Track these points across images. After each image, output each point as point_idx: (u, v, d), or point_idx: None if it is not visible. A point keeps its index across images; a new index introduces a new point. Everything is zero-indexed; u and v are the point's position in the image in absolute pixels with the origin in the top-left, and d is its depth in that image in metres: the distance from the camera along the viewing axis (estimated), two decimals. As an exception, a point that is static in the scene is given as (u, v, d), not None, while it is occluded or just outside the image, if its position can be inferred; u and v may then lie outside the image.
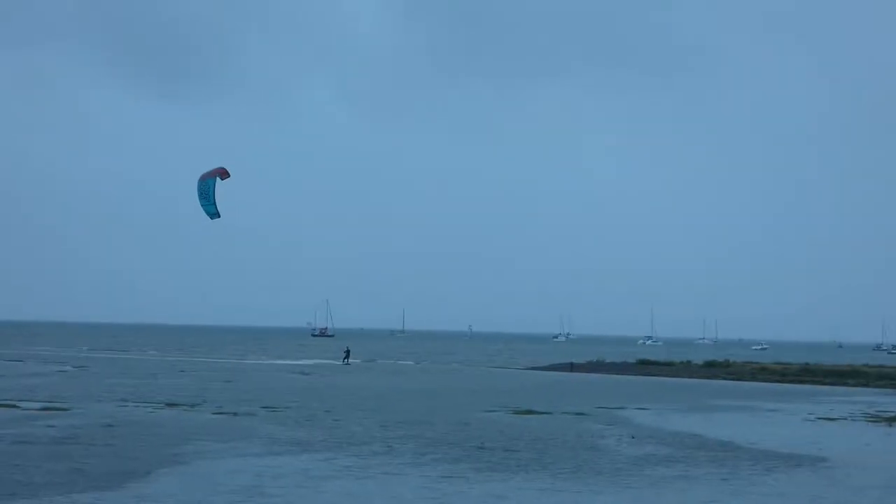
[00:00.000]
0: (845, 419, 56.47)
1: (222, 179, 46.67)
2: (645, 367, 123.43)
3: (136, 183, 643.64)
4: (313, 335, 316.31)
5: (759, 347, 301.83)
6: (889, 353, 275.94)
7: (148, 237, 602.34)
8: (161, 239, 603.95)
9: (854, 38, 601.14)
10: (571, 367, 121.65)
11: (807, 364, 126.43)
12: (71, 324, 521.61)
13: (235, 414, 49.97)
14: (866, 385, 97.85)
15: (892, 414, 60.01)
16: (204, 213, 46.95)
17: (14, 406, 51.38)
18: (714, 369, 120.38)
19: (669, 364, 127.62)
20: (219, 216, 46.82)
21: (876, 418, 57.08)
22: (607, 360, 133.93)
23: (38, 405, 52.12)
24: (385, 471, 31.50)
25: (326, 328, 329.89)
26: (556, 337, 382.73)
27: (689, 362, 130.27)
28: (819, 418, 56.54)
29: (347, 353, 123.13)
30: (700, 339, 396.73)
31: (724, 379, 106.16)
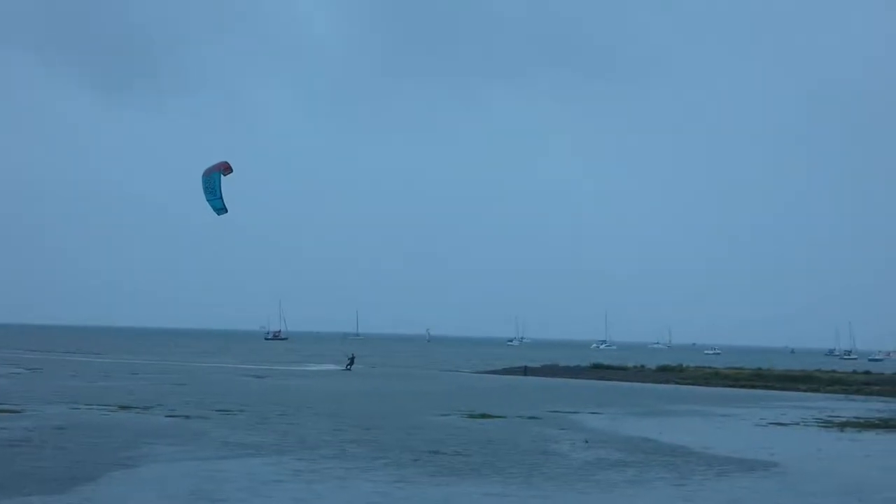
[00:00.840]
0: (797, 424, 56.71)
1: (224, 175, 46.06)
2: (599, 371, 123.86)
3: (92, 185, 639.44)
4: (266, 338, 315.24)
5: (712, 352, 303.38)
6: (841, 358, 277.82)
7: (100, 239, 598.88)
8: (114, 241, 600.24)
9: (806, 39, 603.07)
10: (525, 371, 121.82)
11: (759, 369, 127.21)
12: (30, 326, 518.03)
13: (188, 417, 49.61)
14: (818, 390, 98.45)
15: (844, 419, 60.34)
16: (210, 209, 46.18)
17: (-38, 409, 50.89)
18: (667, 374, 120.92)
19: (623, 368, 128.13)
20: (226, 211, 46.20)
21: (828, 423, 57.35)
22: (561, 364, 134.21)
23: (-13, 407, 51.64)
24: (336, 475, 31.31)
25: (280, 331, 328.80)
26: (510, 341, 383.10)
27: (642, 367, 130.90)
28: (771, 423, 56.76)
29: (352, 359, 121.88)
30: (654, 343, 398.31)
31: (678, 383, 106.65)
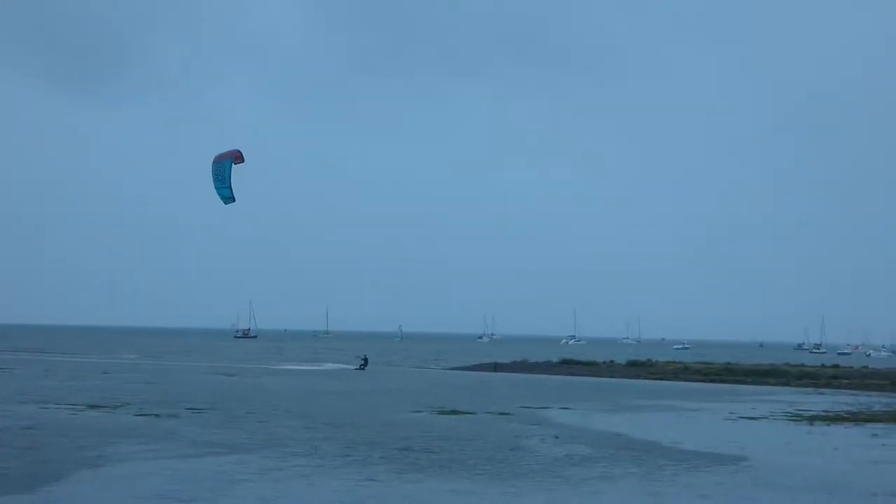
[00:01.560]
0: (767, 418, 56.87)
1: (236, 164, 45.43)
2: (568, 366, 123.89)
3: (53, 184, 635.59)
4: (236, 336, 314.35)
5: (681, 347, 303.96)
6: (810, 352, 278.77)
7: (63, 238, 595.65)
8: (77, 239, 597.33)
9: (769, 37, 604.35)
10: (495, 368, 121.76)
11: (728, 363, 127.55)
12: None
13: (158, 415, 49.44)
14: (787, 384, 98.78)
15: (814, 413, 60.56)
16: (218, 198, 45.64)
17: (-71, 409, 50.61)
18: (637, 369, 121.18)
19: (593, 364, 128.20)
20: (234, 200, 45.53)
21: (797, 417, 57.55)
22: (531, 360, 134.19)
23: (-45, 408, 51.35)
24: (304, 473, 31.22)
25: (249, 329, 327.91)
26: (480, 337, 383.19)
27: (612, 362, 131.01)
28: (741, 417, 56.91)
29: (365, 360, 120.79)
30: (623, 338, 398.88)
31: (647, 378, 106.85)
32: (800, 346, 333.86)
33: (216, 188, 45.14)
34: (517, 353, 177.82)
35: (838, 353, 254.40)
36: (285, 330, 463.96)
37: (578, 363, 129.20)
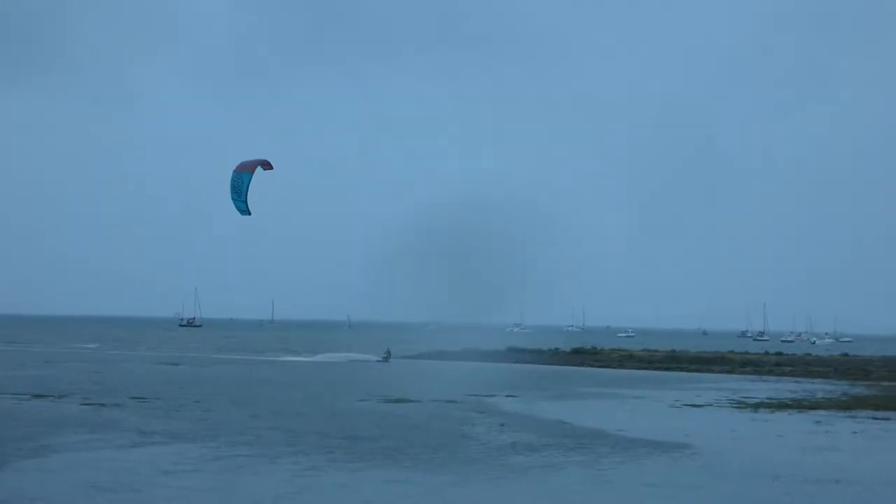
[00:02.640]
0: (711, 406, 57.18)
1: (265, 170, 44.59)
2: (515, 354, 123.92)
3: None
4: (181, 325, 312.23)
5: (626, 335, 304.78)
6: (754, 340, 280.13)
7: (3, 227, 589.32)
8: (15, 228, 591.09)
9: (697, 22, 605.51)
10: (390, 354, 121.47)
11: (673, 351, 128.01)
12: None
13: (103, 405, 49.10)
14: (731, 372, 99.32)
15: (758, 400, 60.95)
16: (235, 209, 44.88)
17: None
18: (582, 356, 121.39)
19: (539, 351, 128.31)
20: (249, 213, 44.70)
21: (741, 404, 57.88)
22: (477, 348, 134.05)
23: None
24: (243, 463, 30.99)
25: (194, 318, 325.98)
26: (427, 325, 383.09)
27: (557, 349, 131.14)
28: (685, 405, 57.18)
29: (388, 353, 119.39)
30: (568, 326, 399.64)
31: (592, 366, 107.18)
32: (743, 334, 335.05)
33: (232, 199, 44.46)
34: (463, 340, 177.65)
35: (782, 341, 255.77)
36: (231, 319, 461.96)
37: (524, 351, 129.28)
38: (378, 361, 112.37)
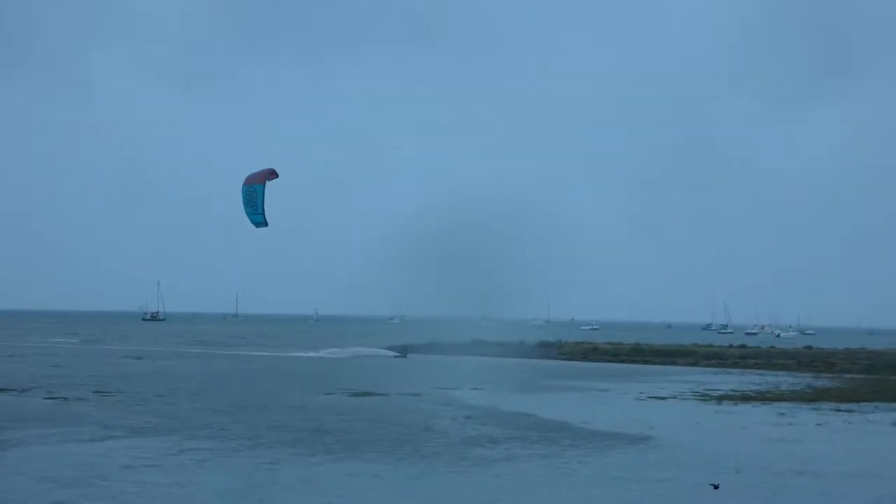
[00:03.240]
0: (675, 398, 57.40)
1: (270, 180, 44.06)
2: (480, 347, 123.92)
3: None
4: (144, 319, 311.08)
5: (590, 328, 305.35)
6: (718, 332, 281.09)
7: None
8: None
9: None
10: (406, 349, 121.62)
11: (637, 344, 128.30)
12: None
13: (66, 399, 48.89)
14: (695, 364, 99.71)
15: (721, 392, 61.17)
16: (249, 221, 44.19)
17: None
18: (547, 349, 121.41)
19: (504, 344, 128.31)
20: (266, 225, 44.06)
21: (705, 397, 58.10)
22: (442, 341, 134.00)
23: None
24: (204, 457, 30.78)
25: (157, 312, 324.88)
26: (392, 319, 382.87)
27: (522, 342, 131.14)
28: (650, 397, 57.37)
29: (405, 348, 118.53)
30: (533, 319, 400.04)
31: (557, 359, 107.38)
32: (708, 327, 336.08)
33: (247, 213, 43.82)
34: (428, 334, 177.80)
35: (746, 334, 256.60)
36: (194, 312, 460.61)
37: (489, 344, 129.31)
38: (395, 357, 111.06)
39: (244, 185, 43.48)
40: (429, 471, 29.16)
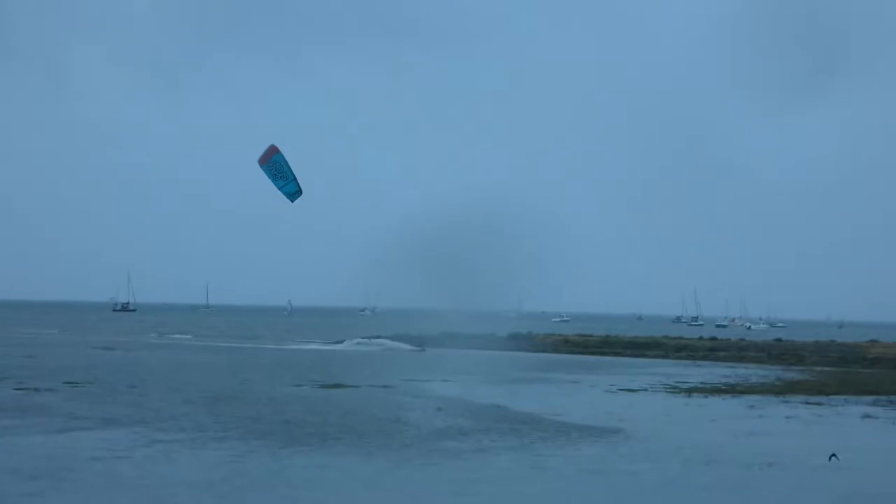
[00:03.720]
0: (646, 390, 57.46)
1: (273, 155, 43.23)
2: (451, 339, 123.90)
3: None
4: (115, 310, 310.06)
5: (560, 319, 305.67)
6: (689, 325, 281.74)
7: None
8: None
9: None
10: (424, 342, 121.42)
11: (608, 336, 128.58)
12: None
13: (37, 389, 48.60)
14: (666, 356, 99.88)
15: (692, 385, 61.29)
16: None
17: None
18: (518, 341, 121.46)
19: (473, 336, 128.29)
20: (301, 193, 43.19)
21: (675, 389, 58.18)
22: (414, 333, 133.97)
23: None
24: (173, 449, 30.57)
25: (128, 303, 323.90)
26: (363, 311, 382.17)
27: (492, 334, 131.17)
28: (620, 389, 57.41)
29: (422, 343, 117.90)
30: (504, 311, 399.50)
31: (528, 351, 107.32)
32: (678, 319, 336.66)
33: (279, 188, 43.01)
34: (399, 326, 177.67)
35: (716, 326, 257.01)
36: (165, 304, 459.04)
37: (461, 336, 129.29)
38: (413, 351, 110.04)
39: (264, 164, 42.73)
40: (398, 463, 29.08)
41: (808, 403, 51.14)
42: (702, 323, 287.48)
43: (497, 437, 35.26)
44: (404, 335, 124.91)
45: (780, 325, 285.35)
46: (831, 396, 55.27)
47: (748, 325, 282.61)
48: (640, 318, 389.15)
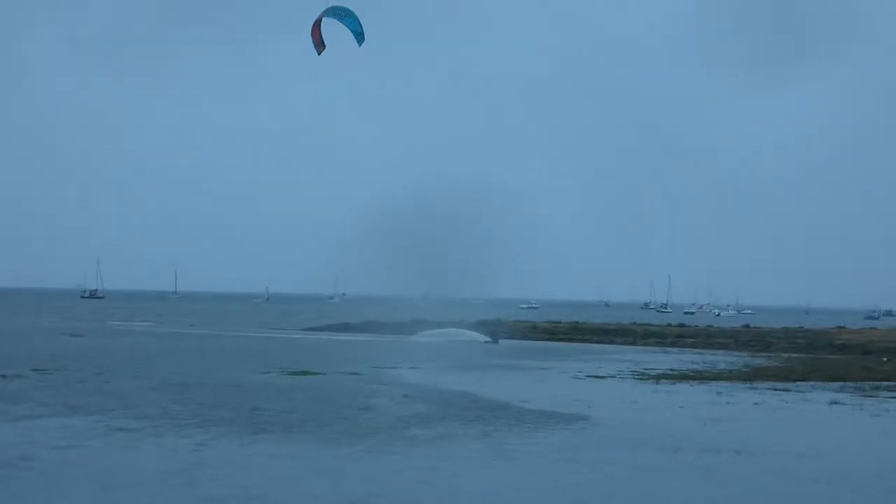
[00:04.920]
0: (614, 377, 57.46)
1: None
2: (419, 325, 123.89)
3: None
4: (83, 297, 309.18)
5: (528, 306, 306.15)
6: (657, 311, 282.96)
7: None
8: None
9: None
10: (346, 328, 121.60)
11: (576, 323, 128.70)
12: None
13: (4, 376, 48.17)
14: (634, 343, 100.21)
15: (660, 371, 61.35)
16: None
17: None
18: (486, 328, 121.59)
19: (443, 323, 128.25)
20: (363, 38, 41.88)
21: (643, 376, 58.23)
22: (382, 321, 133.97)
23: None
24: (137, 437, 30.18)
25: (97, 290, 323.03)
26: (331, 298, 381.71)
27: (461, 321, 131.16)
28: (588, 376, 57.40)
29: (494, 332, 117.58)
30: (473, 298, 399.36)
31: (498, 338, 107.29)
32: (646, 306, 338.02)
33: (347, 24, 41.74)
34: (368, 313, 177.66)
35: (684, 313, 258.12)
36: (133, 291, 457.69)
37: (429, 323, 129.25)
38: (486, 343, 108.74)
39: (319, 42, 41.68)
40: (361, 451, 28.84)
41: (775, 390, 51.24)
42: (670, 310, 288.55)
43: (463, 425, 35.11)
44: (374, 322, 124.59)
45: (748, 311, 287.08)
46: (798, 383, 55.43)
47: (717, 311, 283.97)
48: (607, 304, 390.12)
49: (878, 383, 55.86)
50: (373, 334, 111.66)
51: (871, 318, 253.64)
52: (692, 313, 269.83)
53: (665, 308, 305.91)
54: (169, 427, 32.70)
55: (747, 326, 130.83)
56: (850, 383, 55.43)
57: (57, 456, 26.92)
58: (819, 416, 41.14)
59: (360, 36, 42.14)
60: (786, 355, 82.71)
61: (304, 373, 54.73)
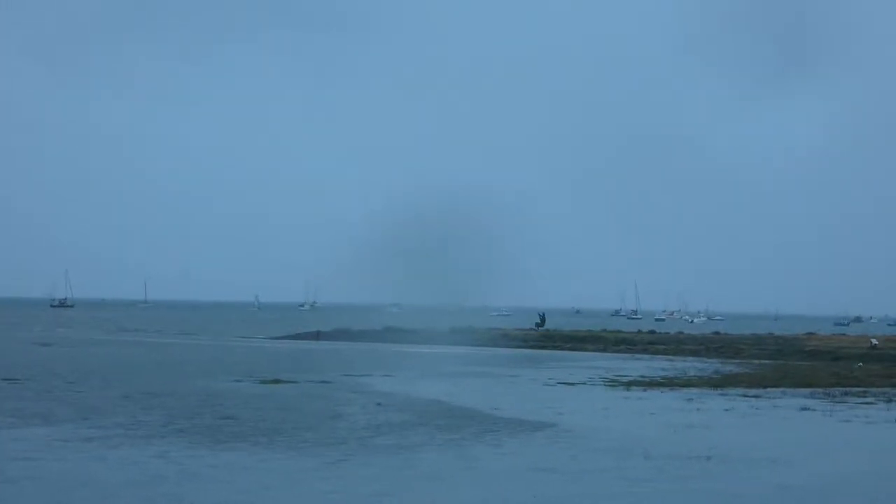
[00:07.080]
0: (584, 384, 57.56)
1: None
2: (391, 333, 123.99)
3: None
4: (52, 306, 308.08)
5: (499, 314, 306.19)
6: (628, 318, 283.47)
7: None
8: None
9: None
10: (318, 336, 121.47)
11: (547, 329, 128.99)
12: None
13: (-28, 386, 48.12)
14: (604, 350, 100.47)
15: (630, 378, 61.49)
16: None
17: None
18: (458, 335, 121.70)
19: (415, 331, 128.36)
20: None
21: (614, 383, 58.36)
22: (354, 328, 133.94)
23: None
24: (103, 447, 30.09)
25: (66, 298, 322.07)
26: (302, 305, 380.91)
27: (433, 329, 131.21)
28: (559, 383, 57.49)
29: (543, 319, 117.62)
30: (445, 305, 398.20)
31: (469, 345, 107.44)
32: (617, 313, 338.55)
33: None
34: (340, 321, 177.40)
35: (655, 320, 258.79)
36: (103, 299, 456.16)
37: (401, 330, 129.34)
38: (532, 329, 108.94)
39: None
40: (329, 461, 28.71)
41: (745, 396, 51.38)
42: (640, 317, 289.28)
43: (434, 433, 35.06)
44: (344, 330, 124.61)
45: (719, 318, 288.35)
46: (769, 389, 55.63)
47: (690, 318, 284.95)
48: (578, 311, 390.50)
49: (848, 389, 56.08)
50: (345, 342, 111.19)
51: (840, 324, 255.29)
52: (663, 320, 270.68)
53: (636, 315, 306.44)
54: (137, 437, 32.53)
55: (717, 333, 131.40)
56: (820, 389, 55.62)
57: (21, 467, 26.71)
58: (789, 422, 41.23)
59: None
60: (756, 362, 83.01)
61: (276, 381, 54.61)
